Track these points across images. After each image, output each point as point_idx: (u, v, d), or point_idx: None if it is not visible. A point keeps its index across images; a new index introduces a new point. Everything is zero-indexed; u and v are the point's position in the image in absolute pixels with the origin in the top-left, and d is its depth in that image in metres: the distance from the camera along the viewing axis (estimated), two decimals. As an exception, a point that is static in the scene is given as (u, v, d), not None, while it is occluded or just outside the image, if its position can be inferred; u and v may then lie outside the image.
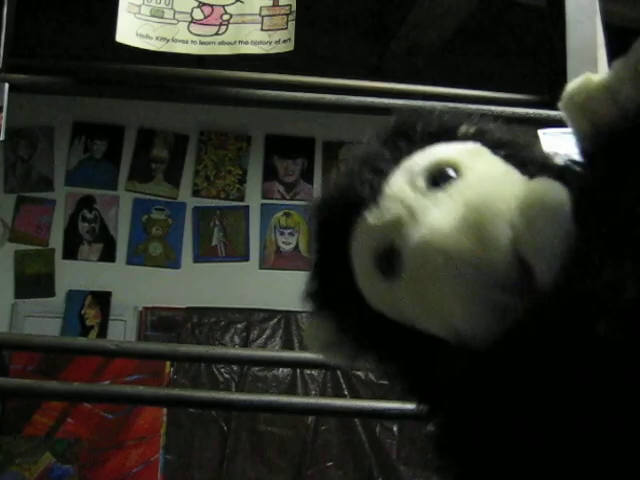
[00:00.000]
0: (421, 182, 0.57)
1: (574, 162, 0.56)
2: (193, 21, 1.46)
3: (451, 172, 0.56)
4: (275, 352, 2.63)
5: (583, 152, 0.55)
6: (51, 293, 3.20)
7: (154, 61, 1.52)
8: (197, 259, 3.32)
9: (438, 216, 0.53)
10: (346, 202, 0.60)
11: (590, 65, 1.44)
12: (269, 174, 3.42)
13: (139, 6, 1.44)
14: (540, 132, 1.23)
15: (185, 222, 3.34)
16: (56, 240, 3.26)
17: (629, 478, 0.44)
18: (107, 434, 2.92)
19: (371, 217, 0.57)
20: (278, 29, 1.45)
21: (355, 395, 3.00)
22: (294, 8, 1.46)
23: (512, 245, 0.50)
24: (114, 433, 2.93)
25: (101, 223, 3.30)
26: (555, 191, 0.51)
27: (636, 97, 0.51)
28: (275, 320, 3.17)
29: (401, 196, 0.57)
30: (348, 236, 0.60)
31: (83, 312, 3.16)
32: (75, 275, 3.21)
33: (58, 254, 3.25)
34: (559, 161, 0.58)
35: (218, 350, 2.07)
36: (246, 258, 3.33)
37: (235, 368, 3.06)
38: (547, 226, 0.50)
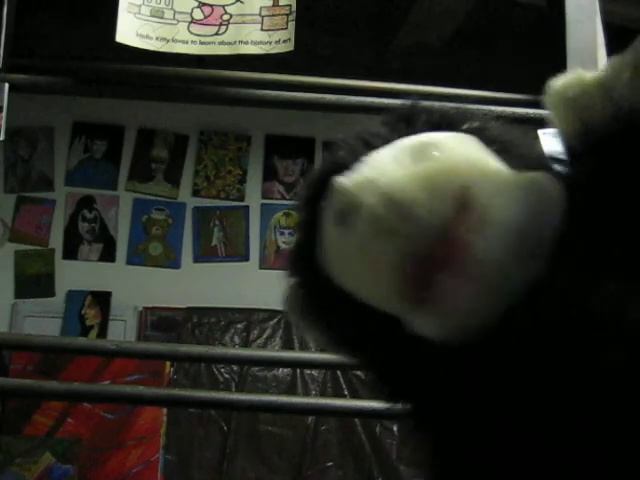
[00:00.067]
0: (403, 157, 0.56)
1: (565, 162, 0.55)
2: (193, 21, 1.46)
3: (433, 150, 0.55)
4: (275, 352, 2.63)
5: (569, 151, 0.55)
6: (51, 293, 3.20)
7: (154, 61, 1.52)
8: (197, 259, 3.32)
9: (397, 167, 0.53)
10: (334, 172, 0.59)
11: (590, 65, 1.44)
12: (269, 174, 3.42)
13: (139, 6, 1.44)
14: (540, 132, 1.23)
15: (185, 222, 3.34)
16: (56, 240, 3.26)
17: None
18: (107, 434, 2.92)
19: (344, 178, 0.56)
20: (278, 29, 1.45)
21: (355, 395, 3.00)
22: (294, 8, 1.46)
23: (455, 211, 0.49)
24: (114, 433, 2.93)
25: (101, 223, 3.30)
26: (543, 182, 0.50)
27: (631, 96, 0.50)
28: (275, 320, 3.17)
29: (378, 164, 0.56)
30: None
31: (83, 312, 3.16)
32: (75, 275, 3.21)
33: (58, 254, 3.25)
34: (551, 162, 0.57)
35: (218, 350, 2.07)
36: (246, 258, 3.32)
37: (235, 368, 3.06)
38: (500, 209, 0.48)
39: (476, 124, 0.62)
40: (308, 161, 3.42)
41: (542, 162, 0.57)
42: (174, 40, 1.45)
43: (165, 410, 2.97)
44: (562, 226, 0.48)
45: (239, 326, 3.17)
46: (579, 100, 0.54)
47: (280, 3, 1.47)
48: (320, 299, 0.62)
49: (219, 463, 2.99)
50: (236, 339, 3.16)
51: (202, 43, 1.46)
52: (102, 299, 3.18)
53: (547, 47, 1.55)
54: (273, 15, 1.46)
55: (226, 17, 1.47)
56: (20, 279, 3.20)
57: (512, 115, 1.42)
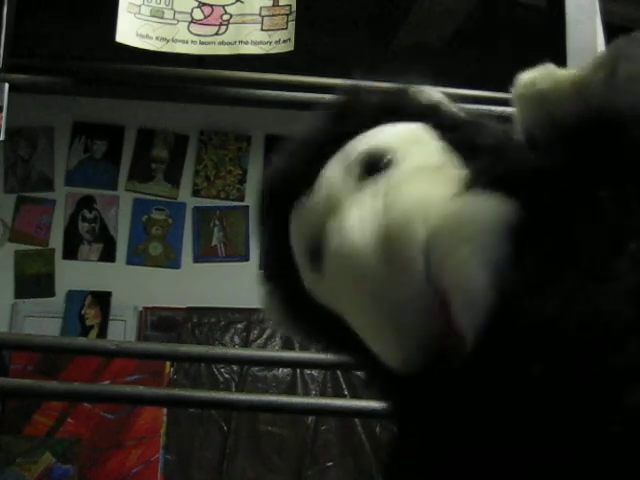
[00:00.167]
0: (355, 170, 0.55)
1: (529, 155, 0.52)
2: (193, 21, 1.46)
3: (385, 160, 0.54)
4: (275, 352, 2.62)
5: (530, 144, 0.53)
6: (51, 293, 3.20)
7: (154, 61, 1.52)
8: (197, 259, 3.32)
9: (356, 221, 0.51)
10: (288, 186, 0.59)
11: (590, 65, 1.44)
12: (269, 174, 3.42)
13: (139, 6, 1.44)
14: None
15: (185, 222, 3.34)
16: (56, 240, 3.26)
17: None
18: (107, 434, 2.92)
19: (304, 204, 0.56)
20: (278, 29, 1.45)
21: (355, 395, 3.00)
22: (294, 8, 1.46)
23: (426, 271, 0.48)
24: (114, 433, 2.93)
25: (101, 223, 3.30)
26: (486, 213, 0.47)
27: (603, 95, 0.49)
28: (275, 320, 3.16)
29: (332, 185, 0.55)
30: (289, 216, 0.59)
31: (83, 312, 3.16)
32: (75, 275, 3.21)
33: (58, 254, 3.25)
34: (515, 151, 0.54)
35: (218, 350, 2.07)
36: (246, 258, 3.32)
37: (235, 368, 3.06)
38: (468, 260, 0.46)
39: (429, 103, 0.60)
40: (308, 161, 3.42)
41: (501, 154, 0.54)
42: (174, 40, 1.45)
43: (165, 410, 2.97)
44: (521, 235, 0.46)
45: (239, 326, 3.17)
46: (548, 95, 0.52)
47: (280, 3, 1.46)
48: (295, 306, 0.62)
49: (219, 463, 2.99)
50: (236, 339, 3.16)
51: (202, 43, 1.46)
52: (102, 299, 3.18)
53: (547, 47, 1.55)
54: (273, 15, 1.46)
55: (226, 17, 1.47)
56: (20, 279, 3.20)
57: (512, 115, 1.42)
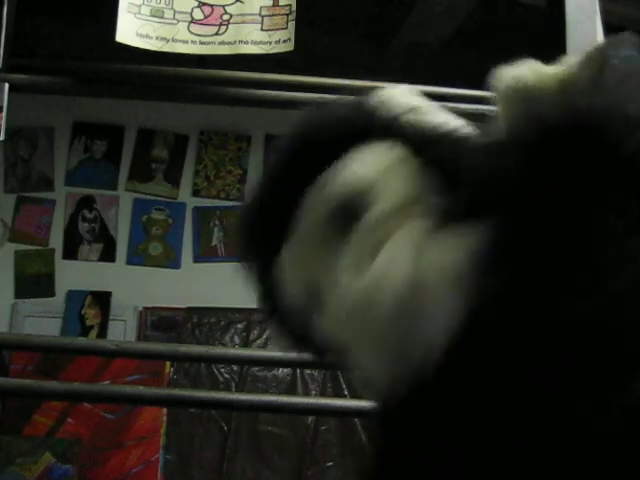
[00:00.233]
0: (334, 221, 0.54)
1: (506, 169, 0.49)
2: (193, 21, 1.46)
3: (361, 207, 0.52)
4: (275, 352, 2.62)
5: (512, 144, 0.50)
6: (51, 293, 3.20)
7: (155, 61, 1.52)
8: (197, 259, 3.32)
9: (350, 284, 0.51)
10: (264, 232, 0.59)
11: (590, 65, 1.44)
12: (269, 174, 3.42)
13: (139, 6, 1.44)
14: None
15: (185, 222, 3.34)
16: (56, 240, 3.26)
17: None
18: (107, 434, 2.92)
19: (288, 255, 0.56)
20: (278, 29, 1.45)
21: (355, 395, 2.99)
22: (294, 8, 1.46)
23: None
24: (114, 433, 2.93)
25: (101, 223, 3.30)
26: (451, 270, 0.47)
27: (589, 94, 0.48)
28: (275, 320, 3.16)
29: (314, 238, 0.55)
30: None
31: (83, 312, 3.16)
32: (75, 275, 3.21)
33: (58, 254, 3.25)
34: (492, 165, 0.50)
35: (218, 350, 2.07)
36: (246, 258, 3.32)
37: (235, 368, 3.06)
38: (434, 320, 0.46)
39: (399, 120, 0.56)
40: (308, 161, 3.42)
41: (473, 177, 0.50)
42: (174, 40, 1.45)
43: (165, 410, 2.97)
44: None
45: (239, 326, 3.17)
46: (533, 92, 0.51)
47: (280, 3, 1.47)
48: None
49: (219, 463, 2.99)
50: (236, 339, 3.16)
51: (202, 43, 1.46)
52: (102, 299, 3.18)
53: (547, 47, 1.55)
54: (273, 15, 1.46)
55: (226, 17, 1.47)
56: (20, 279, 3.20)
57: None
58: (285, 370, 3.11)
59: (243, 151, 3.42)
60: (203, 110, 3.29)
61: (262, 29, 1.45)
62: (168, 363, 2.99)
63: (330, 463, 3.03)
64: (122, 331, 3.13)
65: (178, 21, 1.46)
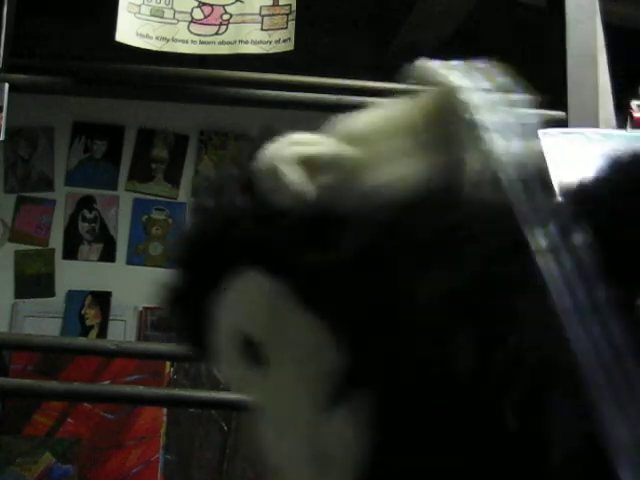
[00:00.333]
0: (243, 358, 0.53)
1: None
2: (193, 21, 1.47)
3: (260, 354, 0.51)
4: (275, 352, 2.62)
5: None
6: (51, 293, 3.19)
7: (156, 61, 1.52)
8: (197, 259, 3.32)
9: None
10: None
11: (590, 65, 1.44)
12: (269, 174, 3.42)
13: (139, 6, 1.44)
14: (540, 132, 1.23)
15: (185, 222, 3.34)
16: (56, 240, 3.26)
17: None
18: (107, 434, 2.92)
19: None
20: (278, 29, 1.45)
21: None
22: (294, 8, 1.46)
23: None
24: (114, 433, 2.93)
25: (101, 223, 3.30)
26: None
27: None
28: (275, 320, 3.16)
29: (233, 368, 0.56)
30: None
31: (83, 312, 3.16)
32: (75, 275, 3.21)
33: (58, 254, 3.25)
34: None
35: (218, 350, 2.07)
36: (246, 258, 3.32)
37: (235, 368, 3.06)
38: None
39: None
40: (308, 161, 3.42)
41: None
42: (174, 40, 1.45)
43: (165, 410, 2.97)
44: None
45: (239, 326, 3.17)
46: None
47: (280, 3, 1.47)
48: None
49: (219, 463, 2.99)
50: (236, 339, 3.16)
51: (202, 43, 1.46)
52: (102, 299, 3.17)
53: (547, 47, 1.56)
54: (273, 15, 1.46)
55: (226, 17, 1.47)
56: (20, 279, 3.20)
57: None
58: (285, 370, 3.11)
59: (243, 151, 3.42)
60: (203, 110, 3.28)
61: (262, 29, 1.45)
62: (168, 363, 2.99)
63: (330, 463, 3.02)
64: (122, 331, 3.13)
65: (178, 21, 1.46)
